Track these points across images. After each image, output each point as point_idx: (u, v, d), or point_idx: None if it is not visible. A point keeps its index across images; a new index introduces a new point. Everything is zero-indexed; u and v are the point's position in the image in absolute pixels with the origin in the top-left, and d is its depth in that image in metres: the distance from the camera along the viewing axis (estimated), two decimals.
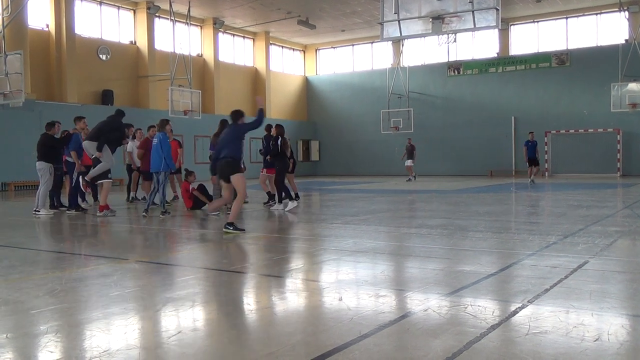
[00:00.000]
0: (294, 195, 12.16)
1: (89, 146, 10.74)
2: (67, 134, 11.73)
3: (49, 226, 9.80)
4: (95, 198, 12.24)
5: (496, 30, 26.73)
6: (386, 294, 4.42)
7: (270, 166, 12.40)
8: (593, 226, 8.15)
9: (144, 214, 10.47)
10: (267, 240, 7.91)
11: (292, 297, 4.51)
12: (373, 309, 3.94)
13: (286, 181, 11.92)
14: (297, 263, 6.16)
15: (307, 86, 35.73)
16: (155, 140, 10.72)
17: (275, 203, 11.82)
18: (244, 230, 8.11)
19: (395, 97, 30.78)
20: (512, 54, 29.42)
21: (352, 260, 6.10)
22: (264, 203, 12.57)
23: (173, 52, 22.91)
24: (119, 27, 25.47)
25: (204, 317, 3.98)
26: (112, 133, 10.90)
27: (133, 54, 25.92)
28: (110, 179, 10.89)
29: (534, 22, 29.13)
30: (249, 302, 4.38)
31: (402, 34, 10.78)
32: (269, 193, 12.53)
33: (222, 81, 29.59)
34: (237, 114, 8.60)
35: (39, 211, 11.10)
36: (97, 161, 10.77)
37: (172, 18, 22.77)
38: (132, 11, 25.85)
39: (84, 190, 11.11)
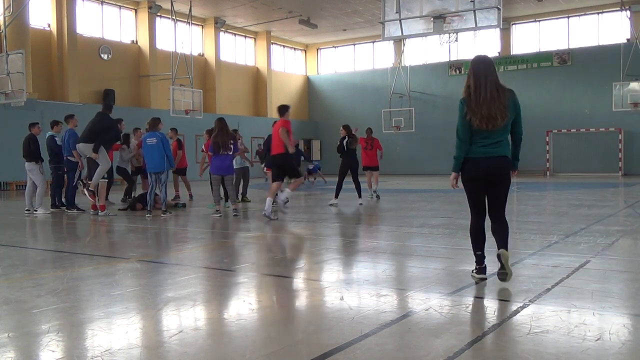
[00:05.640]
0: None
1: (85, 148, 10.57)
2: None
3: (50, 226, 9.81)
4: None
5: (497, 30, 26.65)
6: (387, 294, 4.42)
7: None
8: (595, 225, 8.14)
9: (147, 215, 10.38)
10: (268, 240, 7.91)
11: (293, 297, 4.51)
12: (374, 309, 3.93)
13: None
14: (298, 262, 6.16)
15: (309, 85, 35.70)
16: (154, 140, 10.51)
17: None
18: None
19: (397, 96, 30.74)
20: (514, 53, 29.36)
21: (354, 259, 6.10)
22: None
23: (174, 51, 22.88)
24: (120, 27, 25.46)
25: (205, 317, 3.98)
26: (107, 133, 10.63)
27: (134, 54, 25.92)
28: (105, 178, 10.77)
29: (535, 21, 29.08)
30: (250, 301, 4.37)
31: (404, 34, 10.76)
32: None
33: (223, 80, 29.58)
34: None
35: (36, 211, 11.12)
36: (91, 162, 10.61)
37: (174, 17, 22.74)
38: (134, 10, 25.85)
39: (91, 199, 11.01)
